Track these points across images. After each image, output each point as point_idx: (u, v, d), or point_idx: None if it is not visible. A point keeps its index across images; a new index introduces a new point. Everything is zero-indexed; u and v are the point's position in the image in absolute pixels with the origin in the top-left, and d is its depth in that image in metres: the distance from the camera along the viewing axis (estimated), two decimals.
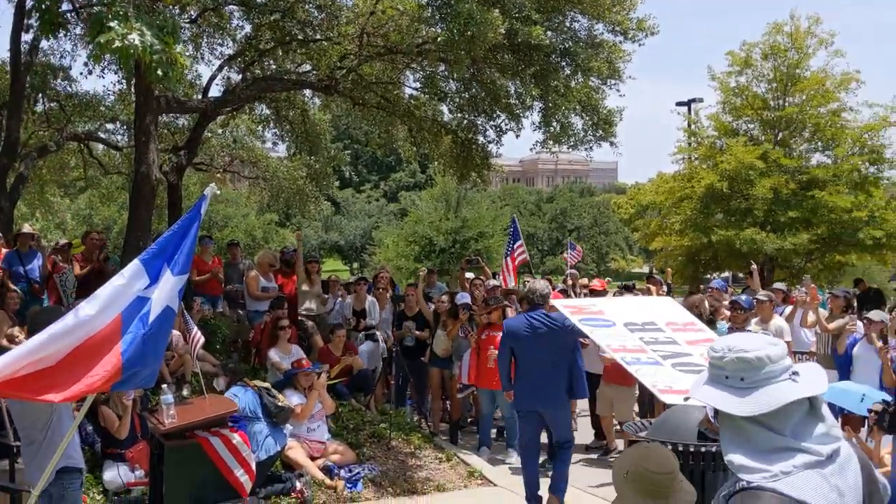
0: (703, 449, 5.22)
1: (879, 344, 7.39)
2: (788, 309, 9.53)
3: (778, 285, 11.20)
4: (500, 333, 8.81)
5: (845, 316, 8.98)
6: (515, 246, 14.00)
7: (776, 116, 21.43)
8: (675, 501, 3.10)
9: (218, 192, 4.22)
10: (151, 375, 4.50)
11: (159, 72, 4.71)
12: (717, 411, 2.07)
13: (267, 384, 7.41)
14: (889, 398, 6.40)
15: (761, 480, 1.91)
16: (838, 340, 8.68)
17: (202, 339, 6.77)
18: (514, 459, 8.83)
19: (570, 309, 4.21)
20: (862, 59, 25.17)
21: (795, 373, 2.00)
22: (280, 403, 6.99)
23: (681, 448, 5.31)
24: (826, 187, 19.95)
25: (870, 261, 23.83)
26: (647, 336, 4.13)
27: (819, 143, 21.75)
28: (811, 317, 8.90)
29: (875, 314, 8.80)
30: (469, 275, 12.09)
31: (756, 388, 1.98)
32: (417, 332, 10.16)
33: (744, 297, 8.81)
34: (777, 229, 20.04)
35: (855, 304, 11.03)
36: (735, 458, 1.99)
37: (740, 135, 21.75)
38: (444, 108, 13.63)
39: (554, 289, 10.69)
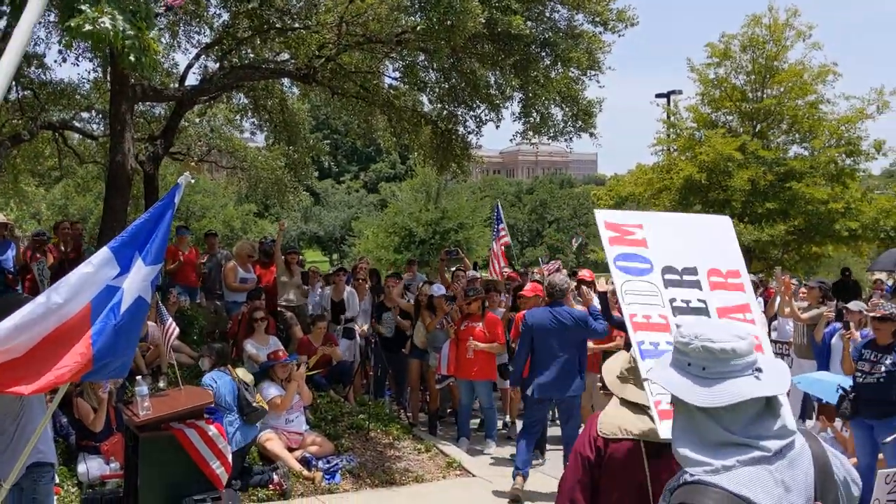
0: None
1: (855, 333, 7.44)
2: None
3: (753, 277, 11.26)
4: (479, 324, 8.84)
5: (821, 307, 9.05)
6: (499, 229, 14.07)
7: (754, 108, 21.56)
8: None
9: (192, 180, 4.16)
10: (123, 367, 4.43)
11: (132, 58, 4.62)
12: (673, 396, 2.04)
13: (250, 377, 7.35)
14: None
15: (703, 474, 1.89)
16: (815, 330, 8.75)
17: (177, 331, 6.69)
18: (493, 450, 8.85)
19: (610, 234, 3.50)
20: (839, 51, 25.38)
21: (759, 369, 1.97)
22: (255, 404, 6.94)
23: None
24: (803, 179, 20.11)
25: (846, 252, 24.09)
26: (680, 296, 3.56)
27: (796, 135, 21.91)
28: (786, 307, 8.96)
29: (854, 304, 8.88)
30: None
31: (717, 381, 1.95)
32: (400, 319, 10.13)
33: None
34: (755, 220, 20.19)
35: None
36: (682, 450, 1.97)
37: (719, 126, 21.86)
38: (424, 99, 13.58)
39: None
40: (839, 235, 20.39)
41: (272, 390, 7.54)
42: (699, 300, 3.57)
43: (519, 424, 9.39)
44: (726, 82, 21.79)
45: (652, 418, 3.11)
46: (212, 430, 5.74)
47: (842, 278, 15.59)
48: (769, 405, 1.97)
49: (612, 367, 3.37)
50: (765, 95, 21.47)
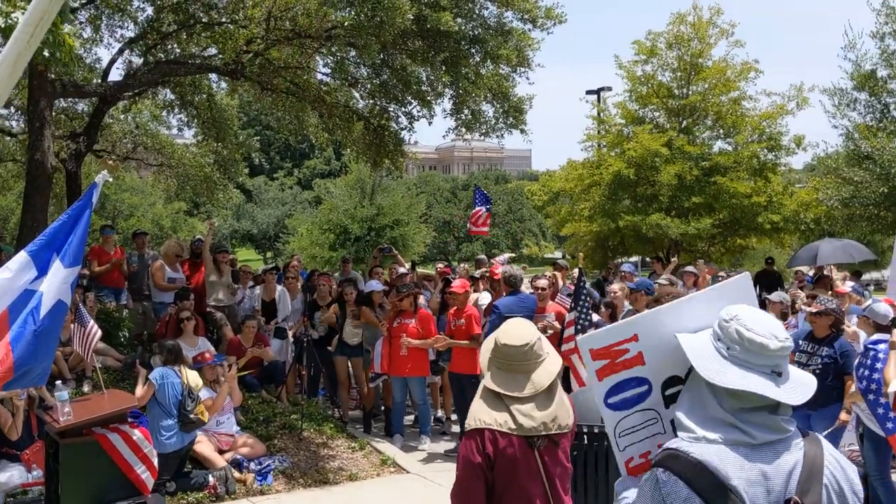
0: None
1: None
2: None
3: (689, 269, 11.53)
4: (412, 321, 8.85)
5: None
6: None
7: (680, 105, 22.01)
8: (537, 377, 3.20)
9: (110, 179, 4.05)
10: (44, 373, 4.32)
11: (45, 53, 4.46)
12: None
13: (199, 382, 7.20)
14: None
15: (684, 441, 1.96)
16: None
17: (99, 333, 6.51)
18: (428, 446, 8.89)
19: (598, 364, 2.53)
20: (761, 49, 26.17)
21: (779, 374, 1.99)
22: (193, 416, 6.82)
23: (585, 430, 5.43)
24: (727, 174, 20.61)
25: (769, 244, 24.84)
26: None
27: (721, 131, 22.44)
28: None
29: (776, 295, 9.22)
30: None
31: (735, 366, 1.99)
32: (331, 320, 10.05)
33: (647, 281, 9.05)
34: (681, 214, 20.62)
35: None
36: (679, 413, 2.05)
37: (646, 122, 22.24)
38: (356, 94, 13.49)
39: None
40: (762, 228, 20.99)
41: (202, 393, 7.41)
42: None
43: (453, 419, 9.47)
44: (653, 79, 22.19)
45: (511, 412, 3.11)
46: (136, 433, 5.61)
47: (766, 269, 16.12)
48: (774, 406, 1.99)
49: (483, 353, 3.37)
50: (690, 92, 21.94)
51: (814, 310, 6.76)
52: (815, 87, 23.01)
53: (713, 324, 2.12)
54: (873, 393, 5.43)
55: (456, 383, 8.73)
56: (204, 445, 7.26)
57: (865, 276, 27.99)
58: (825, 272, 11.80)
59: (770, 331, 1.99)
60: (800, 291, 10.66)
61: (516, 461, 3.10)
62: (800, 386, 2.01)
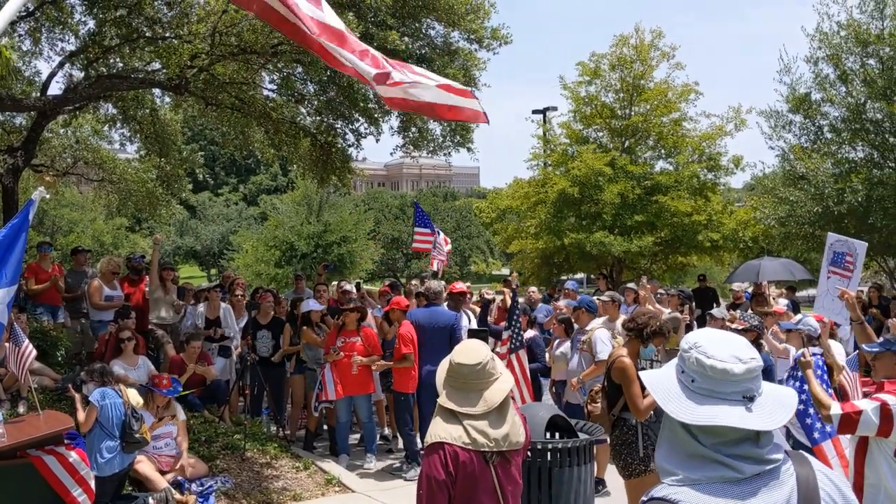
0: (549, 446, 5.41)
1: None
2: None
3: (631, 285, 11.76)
4: (358, 339, 8.84)
5: (678, 312, 9.62)
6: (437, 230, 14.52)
7: (623, 125, 22.48)
8: (489, 395, 3.31)
9: (47, 196, 3.98)
10: None
11: None
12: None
13: (139, 402, 7.04)
14: None
15: (667, 487, 1.83)
16: (677, 334, 9.26)
17: (34, 352, 6.33)
18: (373, 464, 8.83)
19: None
20: (700, 71, 26.86)
21: (751, 398, 1.83)
22: (137, 435, 6.68)
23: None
24: (669, 193, 21.09)
25: (708, 261, 25.43)
26: None
27: (662, 151, 22.98)
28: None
29: (718, 311, 9.50)
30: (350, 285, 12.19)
31: (703, 397, 1.85)
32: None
33: (588, 298, 9.20)
34: (624, 232, 21.00)
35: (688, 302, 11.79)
36: (658, 458, 1.93)
37: (590, 142, 22.66)
38: (303, 111, 13.45)
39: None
40: (702, 246, 21.50)
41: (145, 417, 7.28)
42: None
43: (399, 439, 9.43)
44: (597, 100, 22.64)
45: (465, 427, 3.21)
46: (73, 455, 5.47)
47: (699, 286, 16.55)
48: (754, 433, 1.84)
49: (439, 373, 3.48)
50: (632, 113, 22.43)
51: (738, 327, 7.04)
52: (753, 108, 23.83)
53: None
54: (802, 403, 5.62)
55: (393, 401, 8.94)
56: (145, 465, 7.10)
57: (801, 293, 28.80)
58: (762, 289, 12.17)
59: (732, 353, 1.85)
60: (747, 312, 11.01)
61: (475, 476, 3.18)
62: (776, 407, 1.85)
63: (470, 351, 3.38)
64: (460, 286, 10.14)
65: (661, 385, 1.93)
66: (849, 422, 4.53)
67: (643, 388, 5.33)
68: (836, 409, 4.63)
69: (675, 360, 1.99)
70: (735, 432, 1.80)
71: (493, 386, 3.32)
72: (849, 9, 17.15)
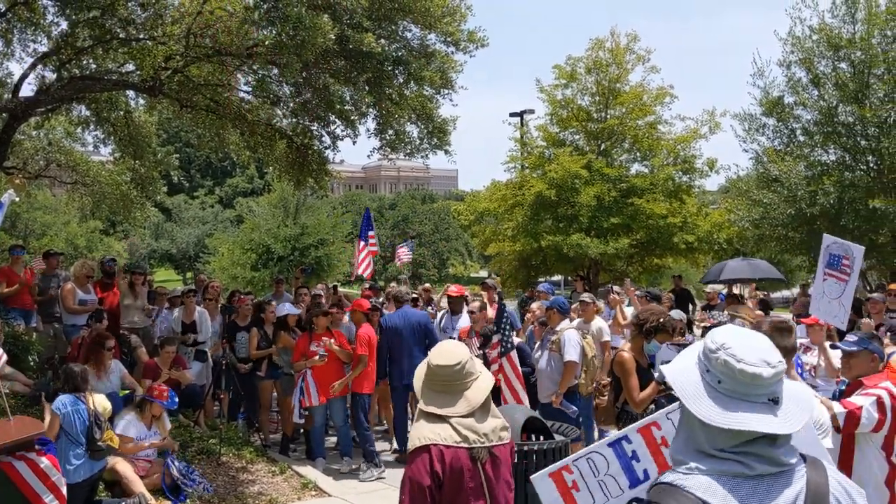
0: (525, 448, 5.43)
1: (680, 339, 7.98)
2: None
3: (616, 289, 11.79)
4: (332, 341, 8.83)
5: None
6: (369, 235, 14.87)
7: (599, 128, 22.61)
8: (471, 395, 3.28)
9: (16, 199, 3.92)
10: None
11: None
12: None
13: (107, 406, 6.95)
14: None
15: (677, 473, 1.84)
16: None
17: (5, 357, 6.25)
18: (349, 468, 8.81)
19: None
20: (675, 74, 27.15)
21: (776, 401, 1.83)
22: (101, 443, 6.59)
23: None
24: (644, 195, 21.24)
25: (684, 263, 25.64)
26: None
27: (637, 154, 23.14)
28: (621, 318, 9.48)
29: (675, 313, 9.54)
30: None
31: (729, 400, 1.84)
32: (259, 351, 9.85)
33: (561, 299, 9.23)
34: (601, 234, 21.12)
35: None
36: (672, 451, 1.93)
37: (567, 145, 22.77)
38: (279, 113, 13.37)
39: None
40: (678, 248, 21.68)
41: (131, 430, 7.26)
42: None
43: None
44: (573, 103, 22.74)
45: (453, 426, 3.19)
46: (44, 461, 5.40)
47: (674, 287, 16.66)
48: (772, 436, 1.83)
49: (416, 377, 3.44)
50: (608, 116, 22.57)
51: (707, 325, 7.10)
52: (727, 112, 24.08)
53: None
54: None
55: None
56: (123, 465, 7.03)
57: (775, 295, 29.14)
58: (734, 290, 12.28)
59: (761, 357, 1.84)
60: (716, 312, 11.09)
61: (463, 477, 3.13)
62: (796, 408, 1.85)
63: (447, 352, 3.34)
64: (454, 289, 10.47)
65: (685, 385, 1.91)
66: (853, 419, 4.59)
67: (641, 382, 5.46)
68: (839, 407, 4.67)
69: (688, 353, 1.99)
70: (754, 432, 1.80)
71: (473, 385, 3.28)
72: (821, 13, 17.22)
